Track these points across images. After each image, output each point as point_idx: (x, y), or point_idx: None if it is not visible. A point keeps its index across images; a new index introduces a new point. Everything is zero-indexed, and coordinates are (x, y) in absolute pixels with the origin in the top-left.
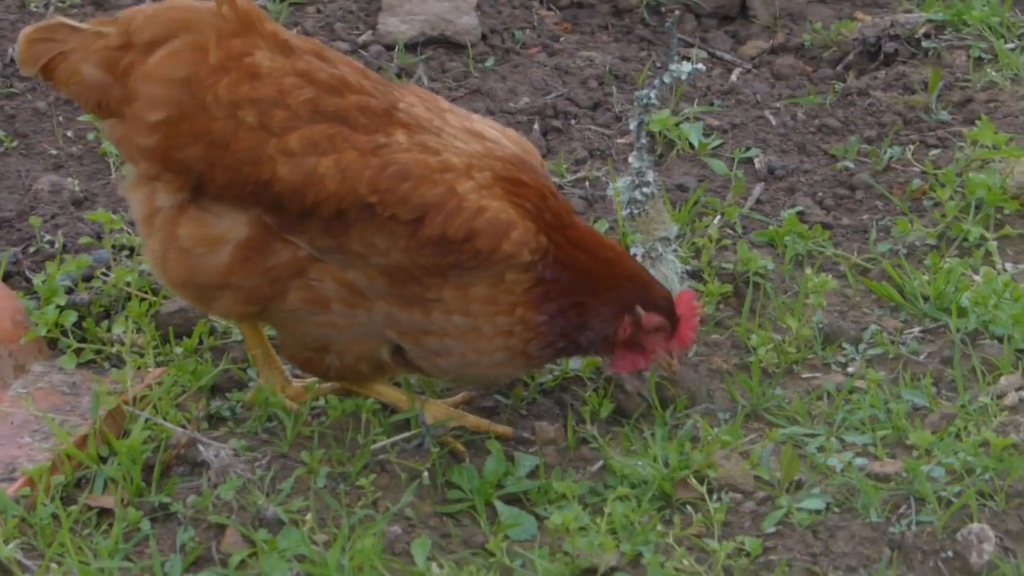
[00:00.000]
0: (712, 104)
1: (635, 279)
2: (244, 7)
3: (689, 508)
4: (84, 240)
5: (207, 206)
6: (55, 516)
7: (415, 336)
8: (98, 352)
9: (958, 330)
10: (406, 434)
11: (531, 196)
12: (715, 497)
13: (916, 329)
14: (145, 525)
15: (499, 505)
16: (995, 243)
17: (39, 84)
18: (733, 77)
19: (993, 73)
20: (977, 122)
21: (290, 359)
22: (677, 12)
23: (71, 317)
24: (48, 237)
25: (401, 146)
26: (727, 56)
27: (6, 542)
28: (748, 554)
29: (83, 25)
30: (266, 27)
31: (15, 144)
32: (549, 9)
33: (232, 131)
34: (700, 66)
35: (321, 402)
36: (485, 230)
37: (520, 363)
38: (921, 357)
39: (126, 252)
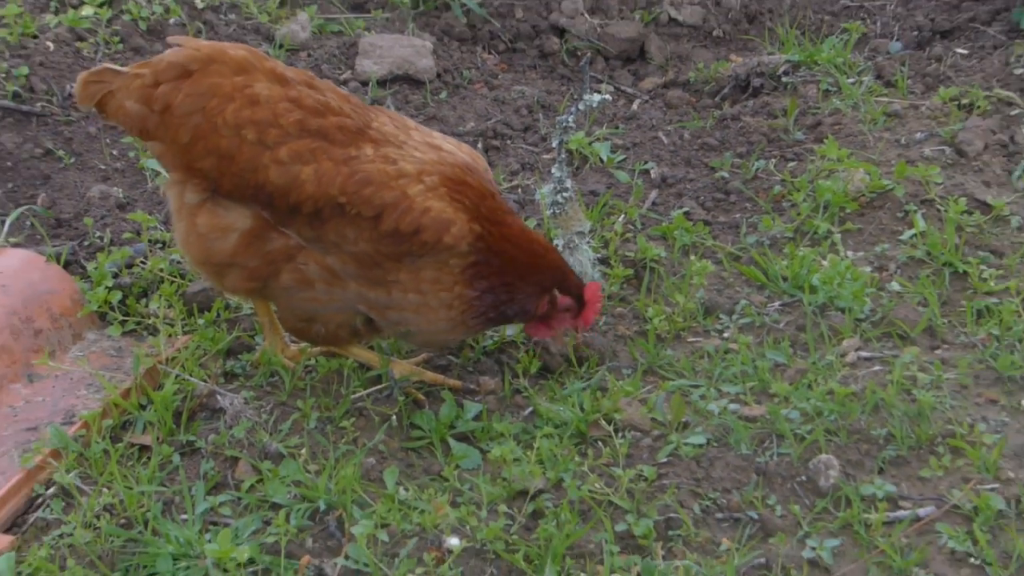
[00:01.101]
0: (617, 127)
1: (556, 269)
2: (240, 54)
3: (600, 443)
4: (127, 236)
5: (220, 202)
6: (105, 451)
7: (380, 310)
8: (138, 323)
9: (810, 304)
10: (379, 387)
11: (471, 194)
12: (620, 435)
13: (777, 303)
14: (176, 458)
15: (452, 442)
16: (839, 235)
17: (91, 113)
18: (634, 106)
19: (838, 102)
20: (825, 140)
21: (287, 328)
22: (589, 55)
23: (117, 296)
24: (98, 234)
25: (367, 158)
26: (629, 89)
27: (68, 471)
28: (646, 479)
29: (125, 69)
30: (264, 64)
31: (72, 160)
32: (489, 53)
33: (237, 146)
34: (608, 97)
35: (312, 362)
36: (430, 226)
37: (460, 330)
38: (781, 325)
39: (160, 245)
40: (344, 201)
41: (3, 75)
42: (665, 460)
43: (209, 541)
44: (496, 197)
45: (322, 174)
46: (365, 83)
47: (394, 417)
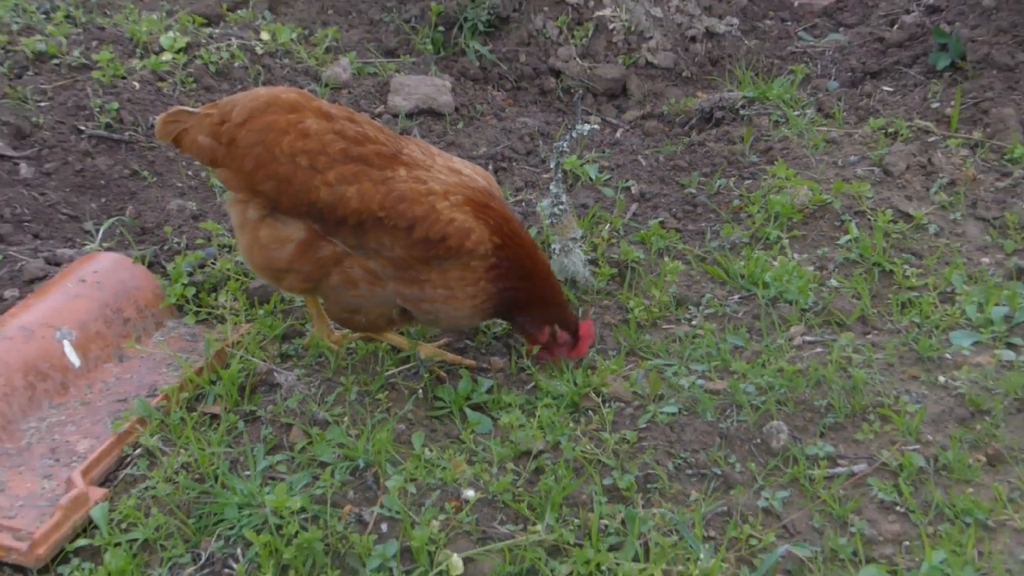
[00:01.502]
0: (604, 151)
1: (560, 306)
2: (292, 97)
3: (590, 412)
4: (199, 241)
5: (279, 217)
6: (182, 419)
7: (415, 303)
8: (209, 314)
9: (763, 297)
10: (407, 366)
11: (494, 215)
12: (607, 405)
13: (736, 296)
14: (240, 425)
15: (468, 411)
16: (787, 241)
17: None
18: (617, 134)
19: (786, 131)
20: (775, 162)
21: (332, 318)
22: (581, 92)
23: (191, 291)
24: (176, 240)
25: (401, 179)
26: (613, 120)
27: (151, 435)
28: (628, 442)
29: (196, 110)
30: (312, 103)
31: (154, 179)
32: (498, 91)
33: (289, 171)
34: (596, 127)
35: (353, 345)
36: (453, 234)
37: (479, 316)
38: (739, 314)
39: (227, 249)
40: (383, 215)
41: (98, 109)
42: (644, 426)
43: (268, 493)
44: (514, 221)
45: (364, 193)
46: (395, 115)
47: (420, 391)
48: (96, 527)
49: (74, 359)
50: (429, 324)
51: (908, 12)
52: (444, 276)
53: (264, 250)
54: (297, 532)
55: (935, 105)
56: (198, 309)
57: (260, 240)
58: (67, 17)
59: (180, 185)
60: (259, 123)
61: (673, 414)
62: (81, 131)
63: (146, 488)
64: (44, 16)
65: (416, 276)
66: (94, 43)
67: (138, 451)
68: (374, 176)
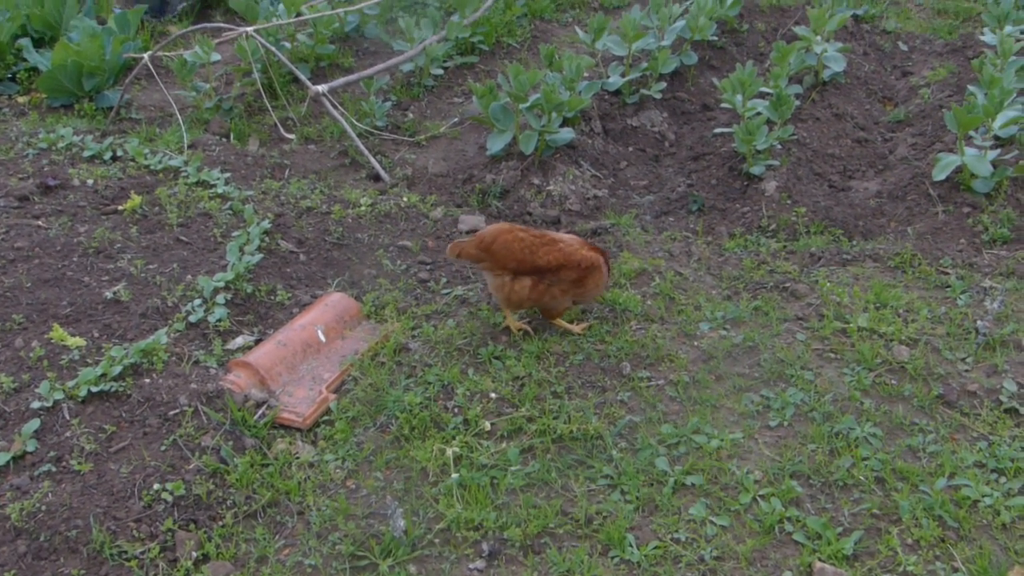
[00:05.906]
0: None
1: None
2: (506, 226)
3: (545, 359)
4: (377, 288)
5: (517, 278)
6: (368, 363)
7: (580, 296)
8: (379, 319)
9: (618, 309)
10: (472, 337)
11: (594, 248)
12: (552, 356)
13: (607, 309)
14: (393, 366)
15: (491, 359)
16: (628, 285)
17: (454, 261)
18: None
19: (628, 238)
20: (624, 251)
21: (548, 316)
22: (540, 223)
23: (372, 309)
24: (367, 287)
25: (562, 247)
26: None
27: (355, 370)
28: (561, 372)
29: (466, 240)
30: (515, 226)
31: (357, 261)
32: (502, 221)
33: (521, 256)
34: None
35: (525, 329)
36: (591, 262)
37: (605, 289)
38: (608, 317)
39: (390, 291)
40: (565, 262)
41: (334, 231)
42: (568, 365)
43: (405, 394)
44: (599, 248)
45: (554, 256)
46: (462, 232)
47: (472, 350)
48: (331, 411)
49: (322, 338)
50: (585, 303)
51: (678, 187)
52: (592, 278)
53: (515, 293)
54: (417, 413)
55: (692, 226)
56: (377, 317)
57: (514, 289)
58: (321, 192)
59: (369, 265)
60: (501, 240)
61: (581, 359)
62: (326, 240)
63: (353, 392)
64: (310, 190)
65: (584, 284)
66: (331, 202)
67: (349, 377)
68: (555, 248)
